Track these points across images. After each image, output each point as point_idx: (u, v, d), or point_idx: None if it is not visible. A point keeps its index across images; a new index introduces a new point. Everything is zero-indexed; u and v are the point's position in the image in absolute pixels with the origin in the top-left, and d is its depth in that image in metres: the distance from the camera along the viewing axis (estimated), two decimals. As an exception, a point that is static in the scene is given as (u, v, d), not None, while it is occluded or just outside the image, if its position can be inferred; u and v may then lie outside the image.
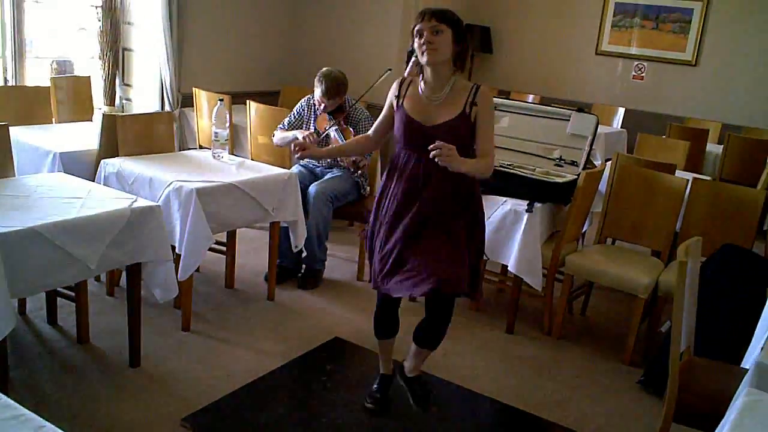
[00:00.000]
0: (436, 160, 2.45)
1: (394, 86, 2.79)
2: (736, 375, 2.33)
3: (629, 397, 3.40)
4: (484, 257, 2.90)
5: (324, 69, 4.33)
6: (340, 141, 4.22)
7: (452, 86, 2.65)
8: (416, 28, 2.56)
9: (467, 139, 2.64)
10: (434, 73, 2.64)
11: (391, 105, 2.78)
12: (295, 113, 4.49)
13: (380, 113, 2.87)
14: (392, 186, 2.74)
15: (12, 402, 1.43)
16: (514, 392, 3.32)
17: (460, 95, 2.64)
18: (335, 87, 4.27)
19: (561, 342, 3.91)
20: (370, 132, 2.97)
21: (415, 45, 2.58)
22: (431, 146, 2.46)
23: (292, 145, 4.14)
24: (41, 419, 1.37)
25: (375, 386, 3.09)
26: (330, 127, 4.23)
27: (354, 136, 4.20)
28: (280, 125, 4.48)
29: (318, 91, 4.28)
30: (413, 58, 2.73)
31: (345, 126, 4.31)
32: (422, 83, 2.69)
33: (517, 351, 3.77)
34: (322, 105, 4.32)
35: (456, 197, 2.68)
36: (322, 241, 4.29)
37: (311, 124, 4.44)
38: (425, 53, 2.55)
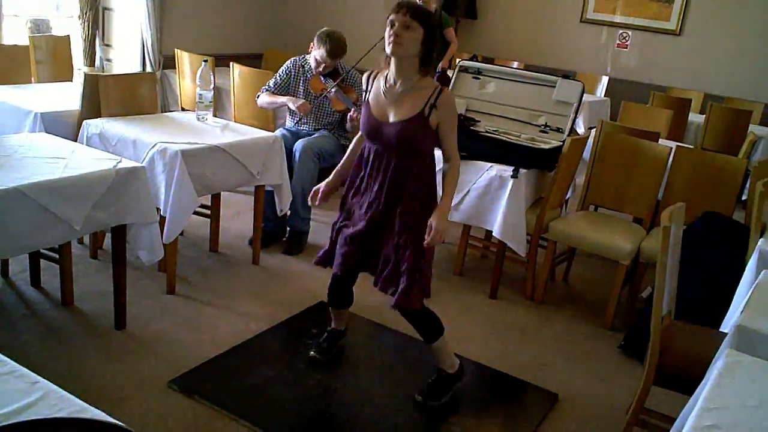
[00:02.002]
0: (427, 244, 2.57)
1: (364, 79, 2.78)
2: (716, 338, 2.38)
3: (610, 360, 3.47)
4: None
5: (325, 29, 4.29)
6: (341, 100, 4.21)
7: (414, 84, 2.61)
8: (389, 18, 2.53)
9: (421, 140, 2.63)
10: (398, 66, 2.60)
11: None
12: (282, 74, 4.45)
13: None
14: (358, 175, 2.77)
15: (4, 357, 1.43)
16: (498, 356, 3.37)
17: (421, 94, 2.60)
18: (340, 47, 4.25)
19: (544, 307, 3.97)
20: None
21: (385, 33, 2.54)
22: (425, 242, 2.56)
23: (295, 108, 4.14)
24: (35, 375, 1.38)
25: (323, 338, 3.16)
26: (331, 88, 4.21)
27: (356, 100, 4.22)
28: (265, 86, 4.44)
29: (322, 51, 4.23)
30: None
31: (346, 86, 4.29)
32: (386, 77, 2.67)
33: (500, 316, 3.81)
34: (321, 66, 4.28)
35: (414, 192, 2.66)
36: (305, 198, 4.25)
37: (300, 86, 4.41)
38: (390, 44, 2.52)
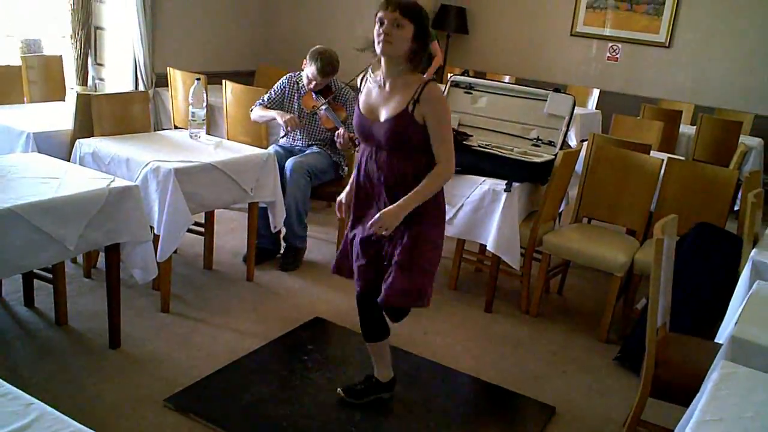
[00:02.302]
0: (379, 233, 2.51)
1: (358, 80, 2.76)
2: (711, 350, 2.39)
3: (606, 373, 3.46)
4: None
5: (317, 47, 4.32)
6: (330, 118, 4.24)
7: (398, 80, 2.54)
8: (378, 15, 2.46)
9: (410, 137, 2.53)
10: (387, 64, 2.54)
11: None
12: (277, 89, 4.47)
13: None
14: (356, 178, 2.73)
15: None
16: (493, 369, 3.37)
17: (405, 91, 2.52)
18: (330, 65, 4.26)
19: (538, 320, 3.97)
20: None
21: (374, 32, 2.48)
22: (370, 230, 2.53)
23: (283, 122, 4.16)
24: (29, 396, 1.37)
25: (361, 380, 2.99)
26: (321, 105, 4.23)
27: (345, 119, 4.24)
28: (260, 101, 4.47)
29: (312, 69, 4.25)
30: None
31: (337, 104, 4.32)
32: (377, 77, 2.61)
33: (495, 329, 3.81)
34: (312, 83, 4.30)
35: (406, 190, 2.56)
36: (301, 216, 4.27)
37: (294, 102, 4.43)
38: (381, 43, 2.45)
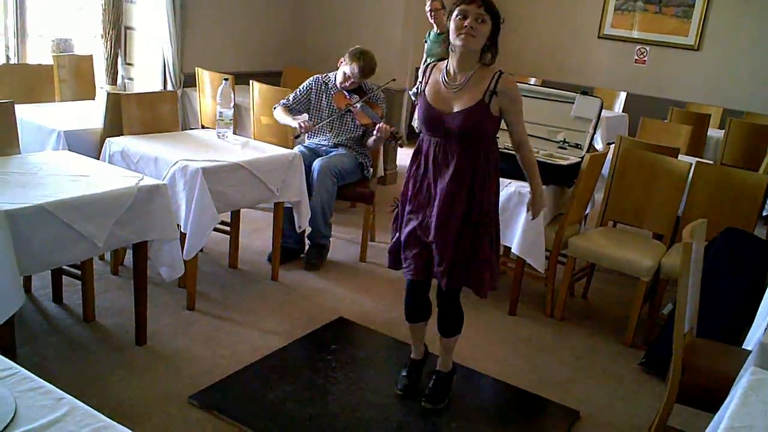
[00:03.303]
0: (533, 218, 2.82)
1: (420, 71, 2.82)
2: (739, 356, 2.36)
3: (631, 378, 3.43)
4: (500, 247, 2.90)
5: (358, 47, 4.37)
6: (367, 114, 4.29)
7: (474, 73, 2.61)
8: (460, 8, 2.51)
9: (485, 128, 2.62)
10: (461, 58, 2.60)
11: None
12: (303, 89, 4.50)
13: (392, 97, 2.89)
14: (415, 169, 2.76)
15: (30, 374, 1.44)
16: (517, 373, 3.35)
17: (480, 83, 2.60)
18: (371, 67, 4.33)
19: (563, 324, 3.94)
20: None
21: (452, 24, 2.54)
22: (533, 212, 2.80)
23: (299, 125, 4.20)
24: (61, 391, 1.39)
25: (404, 372, 3.08)
26: (356, 102, 4.27)
27: (382, 116, 4.31)
28: (284, 100, 4.50)
29: (354, 67, 4.28)
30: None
31: (372, 102, 4.39)
32: (445, 69, 2.67)
33: (519, 332, 3.79)
34: (348, 82, 4.34)
35: (473, 183, 2.65)
36: (326, 216, 4.29)
37: (323, 101, 4.47)
38: (464, 37, 2.50)
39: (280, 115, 4.43)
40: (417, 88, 2.79)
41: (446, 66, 2.67)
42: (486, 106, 2.58)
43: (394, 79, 4.42)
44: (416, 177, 2.75)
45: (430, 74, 2.73)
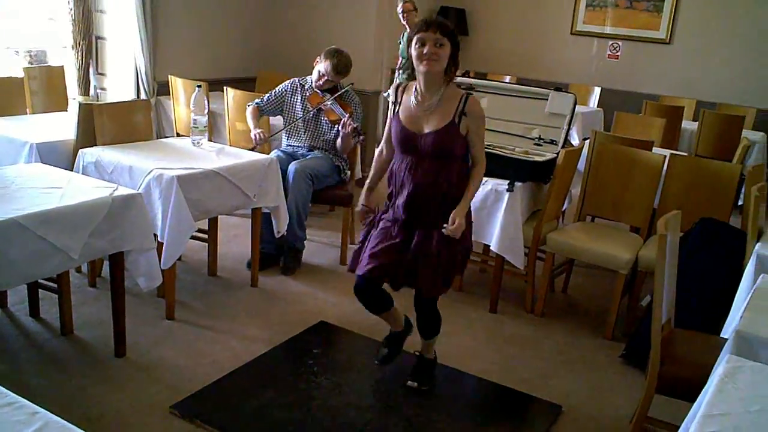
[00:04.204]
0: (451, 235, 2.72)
1: (391, 93, 2.92)
2: (716, 345, 2.38)
3: (612, 371, 3.46)
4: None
5: (334, 46, 4.41)
6: (335, 111, 4.30)
7: (443, 95, 2.75)
8: (419, 36, 2.65)
9: (454, 147, 2.76)
10: (427, 81, 2.73)
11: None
12: (277, 92, 4.53)
13: (367, 99, 2.96)
14: (392, 186, 2.88)
15: (4, 389, 1.43)
16: (500, 369, 3.36)
17: (450, 104, 2.75)
18: (345, 66, 4.35)
19: (544, 319, 3.96)
20: (383, 144, 3.03)
21: (413, 52, 2.67)
22: (446, 231, 2.71)
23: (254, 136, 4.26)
24: (35, 405, 1.37)
25: (384, 343, 3.20)
26: (327, 100, 4.28)
27: (351, 113, 4.33)
28: (257, 100, 4.54)
29: (328, 64, 4.32)
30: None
31: (343, 102, 4.41)
32: (415, 91, 2.79)
33: (501, 329, 3.81)
34: (323, 80, 4.36)
35: (446, 199, 2.78)
36: (301, 219, 4.28)
37: (297, 105, 4.48)
38: (427, 63, 2.64)
39: (249, 116, 4.49)
40: (391, 104, 2.87)
41: (416, 87, 2.79)
42: (456, 127, 2.73)
43: (352, 83, 4.47)
44: (394, 193, 2.87)
45: (402, 96, 2.85)
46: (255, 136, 4.31)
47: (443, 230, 2.71)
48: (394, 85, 2.94)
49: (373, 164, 3.09)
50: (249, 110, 4.50)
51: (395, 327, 3.16)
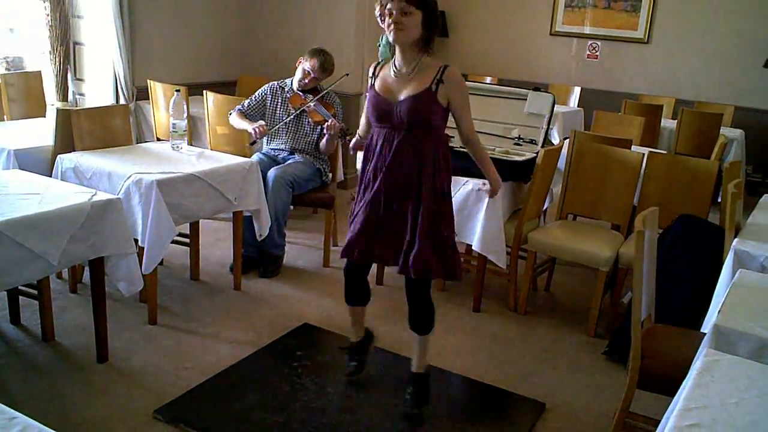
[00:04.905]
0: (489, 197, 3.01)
1: (370, 70, 2.85)
2: (696, 339, 2.40)
3: (595, 367, 3.48)
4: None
5: (317, 46, 4.45)
6: (319, 112, 4.30)
7: (419, 65, 2.66)
8: (387, 6, 2.54)
9: (431, 115, 2.66)
10: (402, 51, 2.66)
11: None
12: (258, 96, 4.52)
13: (348, 102, 2.93)
14: (367, 164, 2.79)
15: (-19, 396, 1.41)
16: (484, 368, 3.38)
17: (427, 72, 2.66)
18: (330, 63, 4.39)
19: (527, 318, 3.98)
20: (362, 124, 3.00)
21: (383, 22, 2.58)
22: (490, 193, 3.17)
23: (254, 131, 4.18)
24: (12, 410, 1.36)
25: (348, 358, 3.16)
26: (310, 102, 4.27)
27: (334, 114, 4.33)
28: (239, 106, 4.51)
29: (314, 62, 4.34)
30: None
31: (325, 102, 4.40)
32: (393, 62, 2.72)
33: (484, 328, 3.82)
34: (307, 79, 4.37)
35: (423, 171, 2.68)
36: (280, 226, 4.28)
37: (278, 108, 4.49)
38: (393, 32, 2.56)
39: (236, 121, 4.44)
40: (369, 78, 2.83)
41: (393, 60, 2.73)
42: (433, 94, 2.64)
43: (348, 74, 4.48)
44: (367, 170, 2.79)
45: (379, 71, 2.79)
46: (255, 130, 4.23)
47: (479, 190, 2.93)
48: (373, 64, 2.86)
49: (359, 131, 3.05)
50: (234, 116, 4.46)
51: (357, 333, 3.15)
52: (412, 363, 3.02)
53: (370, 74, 2.83)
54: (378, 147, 2.73)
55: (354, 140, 3.06)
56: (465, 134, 2.82)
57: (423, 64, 2.67)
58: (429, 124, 2.67)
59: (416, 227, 2.69)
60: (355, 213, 2.84)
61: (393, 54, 2.73)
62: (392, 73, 2.71)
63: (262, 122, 4.35)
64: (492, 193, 3.32)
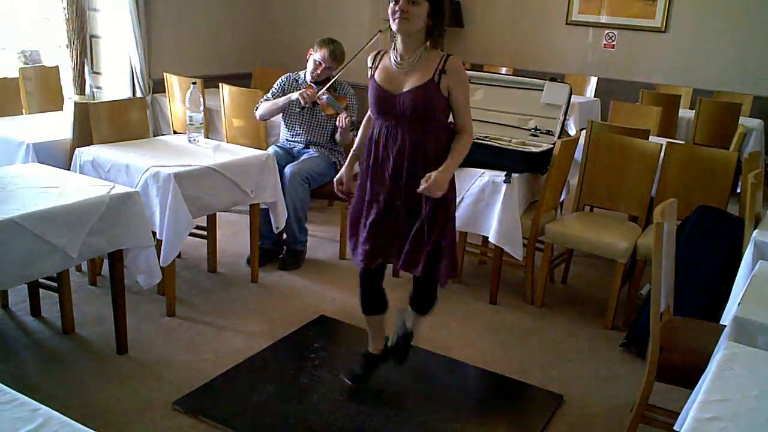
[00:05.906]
0: (425, 194, 2.54)
1: (369, 59, 2.77)
2: (715, 332, 2.38)
3: (612, 359, 3.47)
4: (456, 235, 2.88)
5: (324, 37, 4.43)
6: (331, 105, 4.28)
7: (421, 55, 2.60)
8: None
9: (435, 107, 2.61)
10: (404, 41, 2.60)
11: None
12: (277, 87, 4.51)
13: (362, 92, 2.87)
14: (369, 157, 2.73)
15: (4, 387, 1.43)
16: (501, 360, 3.37)
17: (430, 64, 2.59)
18: (341, 52, 4.38)
19: (544, 310, 3.97)
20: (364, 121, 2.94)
21: (389, 9, 2.53)
22: (419, 189, 2.52)
23: (300, 98, 4.19)
24: (36, 402, 1.38)
25: (357, 364, 3.06)
26: (322, 94, 4.26)
27: (347, 106, 4.32)
28: (264, 98, 4.48)
29: (324, 51, 4.33)
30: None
31: (338, 94, 4.38)
32: (393, 52, 2.66)
33: (501, 321, 3.81)
34: (319, 69, 4.36)
35: (427, 164, 2.62)
36: (301, 222, 4.30)
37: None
38: (397, 21, 2.50)
39: (266, 107, 4.41)
40: (369, 68, 2.76)
41: (393, 49, 2.66)
42: (436, 85, 2.57)
43: (381, 31, 4.36)
44: (371, 165, 2.72)
45: (380, 60, 2.72)
46: (302, 95, 4.21)
47: (418, 190, 2.53)
48: (372, 53, 2.78)
49: (361, 129, 2.93)
50: (263, 105, 4.43)
51: (376, 345, 3.04)
52: (405, 318, 3.03)
53: (369, 64, 2.75)
54: (381, 141, 2.67)
55: (355, 143, 2.96)
56: (461, 125, 2.68)
57: (425, 55, 2.61)
58: (432, 115, 2.62)
59: (414, 224, 2.67)
60: (355, 210, 2.79)
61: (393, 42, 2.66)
62: (393, 63, 2.65)
63: (306, 88, 4.32)
64: (426, 190, 2.54)
